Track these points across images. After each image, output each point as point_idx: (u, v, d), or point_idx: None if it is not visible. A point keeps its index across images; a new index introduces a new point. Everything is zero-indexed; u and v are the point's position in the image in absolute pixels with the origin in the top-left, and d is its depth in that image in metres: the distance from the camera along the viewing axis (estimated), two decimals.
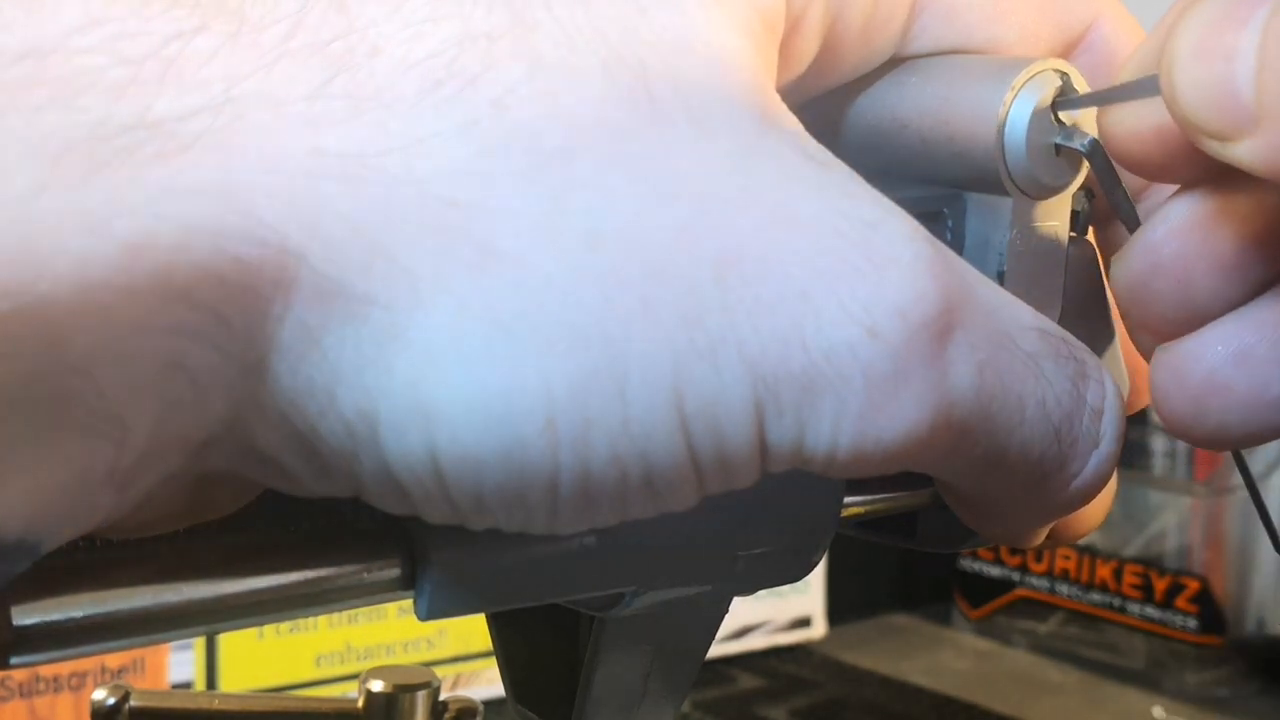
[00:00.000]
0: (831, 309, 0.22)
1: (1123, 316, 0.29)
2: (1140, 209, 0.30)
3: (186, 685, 0.78)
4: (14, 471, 0.18)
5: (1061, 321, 0.29)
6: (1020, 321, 0.25)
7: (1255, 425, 0.26)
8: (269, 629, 0.79)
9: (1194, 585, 0.95)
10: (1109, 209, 0.30)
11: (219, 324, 0.19)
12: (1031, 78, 0.28)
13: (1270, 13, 0.22)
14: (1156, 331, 0.28)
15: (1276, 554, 0.26)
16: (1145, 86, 0.25)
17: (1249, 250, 0.26)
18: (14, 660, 0.21)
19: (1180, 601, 0.95)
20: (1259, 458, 0.95)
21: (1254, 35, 0.22)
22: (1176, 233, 0.27)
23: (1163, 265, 0.27)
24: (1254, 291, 0.27)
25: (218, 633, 0.71)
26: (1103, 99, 0.28)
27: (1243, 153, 0.23)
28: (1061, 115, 0.28)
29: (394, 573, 0.24)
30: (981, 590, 1.05)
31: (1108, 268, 0.32)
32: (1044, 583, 1.02)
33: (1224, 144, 0.23)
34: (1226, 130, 0.23)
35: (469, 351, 0.20)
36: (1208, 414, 0.26)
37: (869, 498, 0.30)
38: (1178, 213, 0.27)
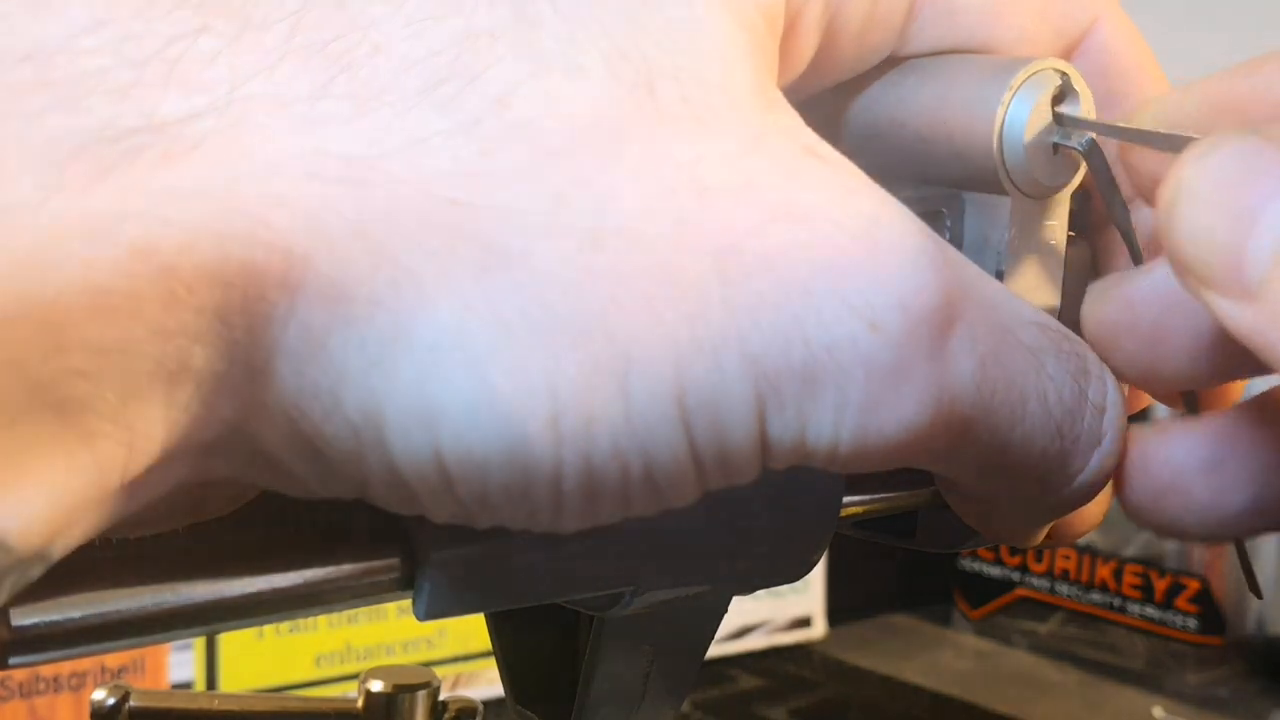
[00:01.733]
0: (832, 303, 0.22)
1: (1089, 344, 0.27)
2: (1135, 212, 0.30)
3: (186, 685, 0.78)
4: (28, 480, 0.18)
5: (1060, 320, 0.29)
6: (1021, 316, 0.25)
7: (1209, 529, 0.26)
8: (269, 629, 0.79)
9: (1194, 585, 0.95)
10: (1106, 210, 0.30)
11: (224, 327, 0.19)
12: (1030, 77, 0.28)
13: None
14: (1114, 374, 0.27)
15: (1277, 551, 0.26)
16: (1156, 139, 0.26)
17: (1229, 339, 0.24)
18: (13, 660, 0.21)
19: (1180, 601, 0.95)
20: None
21: (1277, 219, 0.21)
22: (1159, 299, 0.26)
23: (1137, 326, 0.26)
24: (1220, 377, 0.26)
25: (217, 633, 0.71)
26: (1107, 130, 0.28)
27: (1228, 310, 0.22)
28: (1060, 115, 0.28)
29: (393, 573, 0.24)
30: (981, 590, 1.05)
31: (1103, 270, 0.32)
32: (1044, 583, 1.02)
33: (1207, 291, 0.22)
34: (1218, 283, 0.22)
35: (473, 351, 0.20)
36: (1165, 510, 0.26)
37: (869, 497, 0.30)
38: (1164, 278, 0.25)
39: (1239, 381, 0.29)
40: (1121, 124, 0.28)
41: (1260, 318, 0.22)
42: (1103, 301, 0.27)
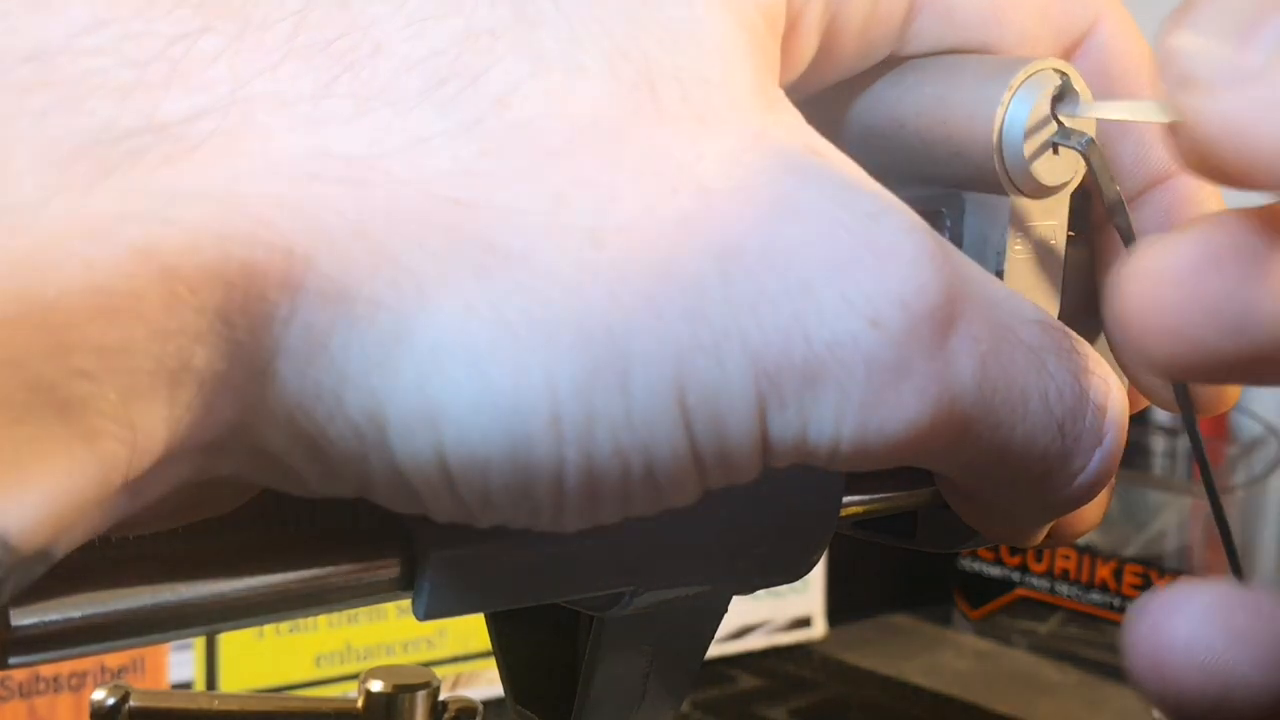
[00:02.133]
0: (834, 300, 0.22)
1: (1112, 345, 0.26)
2: (1135, 211, 0.30)
3: (186, 685, 0.78)
4: (30, 480, 0.18)
5: (1061, 319, 0.29)
6: (1023, 315, 0.25)
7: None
8: (269, 629, 0.79)
9: None
10: (1106, 209, 0.30)
11: (226, 328, 0.19)
12: (1030, 77, 0.28)
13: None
14: (1137, 362, 0.24)
15: (1277, 551, 0.25)
16: (1150, 109, 0.25)
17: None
18: (13, 660, 0.21)
19: None
20: (1259, 459, 0.95)
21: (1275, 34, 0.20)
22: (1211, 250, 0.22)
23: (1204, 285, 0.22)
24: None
25: (217, 633, 0.71)
26: (1106, 110, 0.28)
27: (1205, 108, 0.21)
28: (1060, 115, 0.28)
29: (393, 572, 0.24)
30: (981, 590, 1.05)
31: (1101, 270, 0.32)
32: (1044, 583, 1.02)
33: (1192, 92, 0.21)
34: (1215, 71, 0.21)
35: (474, 352, 0.20)
36: (1166, 679, 0.23)
37: (869, 497, 0.30)
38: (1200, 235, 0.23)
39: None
40: (1112, 100, 0.28)
41: (1250, 101, 0.20)
42: (1174, 251, 0.23)
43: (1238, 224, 0.22)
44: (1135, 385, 0.31)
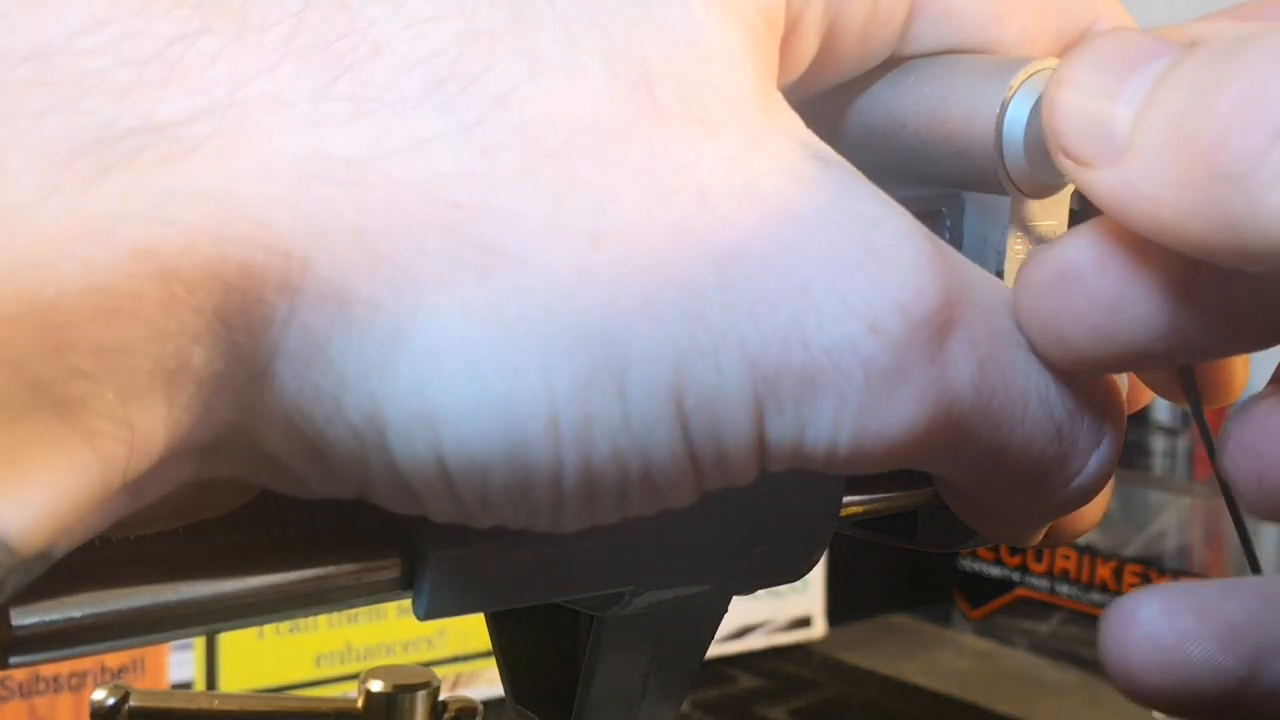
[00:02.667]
0: (832, 305, 0.22)
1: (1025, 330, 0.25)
2: None
3: (186, 685, 0.78)
4: (30, 480, 0.18)
5: None
6: None
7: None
8: (269, 629, 0.79)
9: None
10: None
11: (224, 328, 0.19)
12: (1030, 77, 0.28)
13: (1165, 67, 0.22)
14: (1054, 356, 0.25)
15: (1277, 551, 0.25)
16: None
17: (1197, 284, 0.23)
18: (13, 660, 0.21)
19: None
20: None
21: (1145, 83, 0.22)
22: (1112, 252, 0.24)
23: (1081, 275, 0.24)
24: (1193, 343, 0.24)
25: (217, 633, 0.71)
26: None
27: (1100, 180, 0.23)
28: None
29: (393, 572, 0.24)
30: (981, 590, 1.05)
31: None
32: (1044, 583, 1.02)
33: (1082, 169, 0.23)
34: (1089, 157, 0.23)
35: (472, 354, 0.20)
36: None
37: (868, 497, 0.30)
38: (1109, 233, 0.24)
39: (1233, 368, 0.29)
40: None
41: (1129, 174, 0.22)
42: (1038, 263, 0.25)
43: (1098, 235, 0.24)
44: (1141, 378, 0.31)
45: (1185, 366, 0.28)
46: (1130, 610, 0.24)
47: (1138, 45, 0.23)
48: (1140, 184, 0.22)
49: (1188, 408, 0.29)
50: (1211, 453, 0.30)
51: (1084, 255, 0.24)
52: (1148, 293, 0.24)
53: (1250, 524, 0.28)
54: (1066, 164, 0.23)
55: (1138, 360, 0.25)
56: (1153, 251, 0.23)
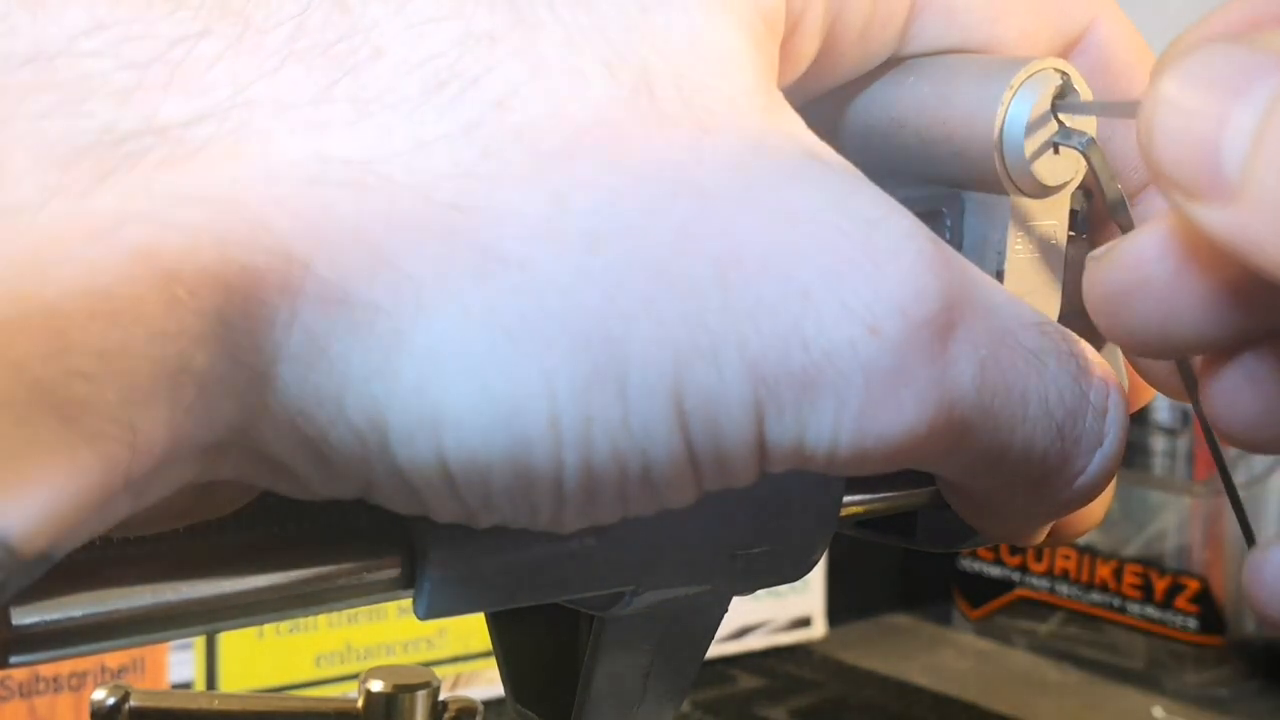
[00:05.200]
0: (832, 307, 0.22)
1: (1093, 317, 0.26)
2: (1136, 210, 0.30)
3: (186, 685, 0.78)
4: (32, 482, 0.18)
5: (1061, 320, 0.29)
6: (1022, 319, 0.25)
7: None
8: (269, 629, 0.79)
9: (1194, 585, 0.95)
10: (1106, 208, 0.30)
11: (226, 330, 0.19)
12: (1030, 77, 0.28)
13: (1274, 94, 0.21)
14: (1121, 344, 0.26)
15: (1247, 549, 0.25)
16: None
17: (1247, 286, 0.24)
18: (13, 659, 0.21)
19: (1180, 601, 0.95)
20: (1259, 458, 0.95)
21: (1255, 111, 0.21)
22: (1171, 252, 0.24)
23: (1150, 284, 0.24)
24: (1236, 334, 0.25)
25: (217, 632, 0.71)
26: (1104, 109, 0.28)
27: (1211, 218, 0.21)
28: (1060, 114, 0.28)
29: (394, 572, 0.24)
30: (981, 590, 1.05)
31: None
32: (1044, 583, 1.02)
33: (1190, 201, 0.22)
34: (1198, 190, 0.21)
35: (473, 356, 0.20)
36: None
37: (869, 497, 0.30)
38: (1178, 235, 0.24)
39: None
40: (1111, 101, 0.28)
41: (1243, 216, 0.21)
42: (1109, 265, 0.25)
43: (1159, 239, 0.24)
44: (1140, 373, 0.31)
45: (1186, 364, 0.28)
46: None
47: (1242, 60, 0.21)
48: (1257, 231, 0.21)
49: (1188, 402, 0.29)
50: (1214, 449, 0.30)
51: (1158, 263, 0.24)
52: (1216, 295, 0.24)
53: (1251, 527, 0.28)
54: (1170, 192, 0.22)
55: (1199, 351, 0.26)
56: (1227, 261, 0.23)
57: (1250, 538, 0.30)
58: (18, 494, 0.18)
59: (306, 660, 0.81)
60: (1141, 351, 0.26)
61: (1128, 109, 0.27)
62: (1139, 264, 0.25)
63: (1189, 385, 0.28)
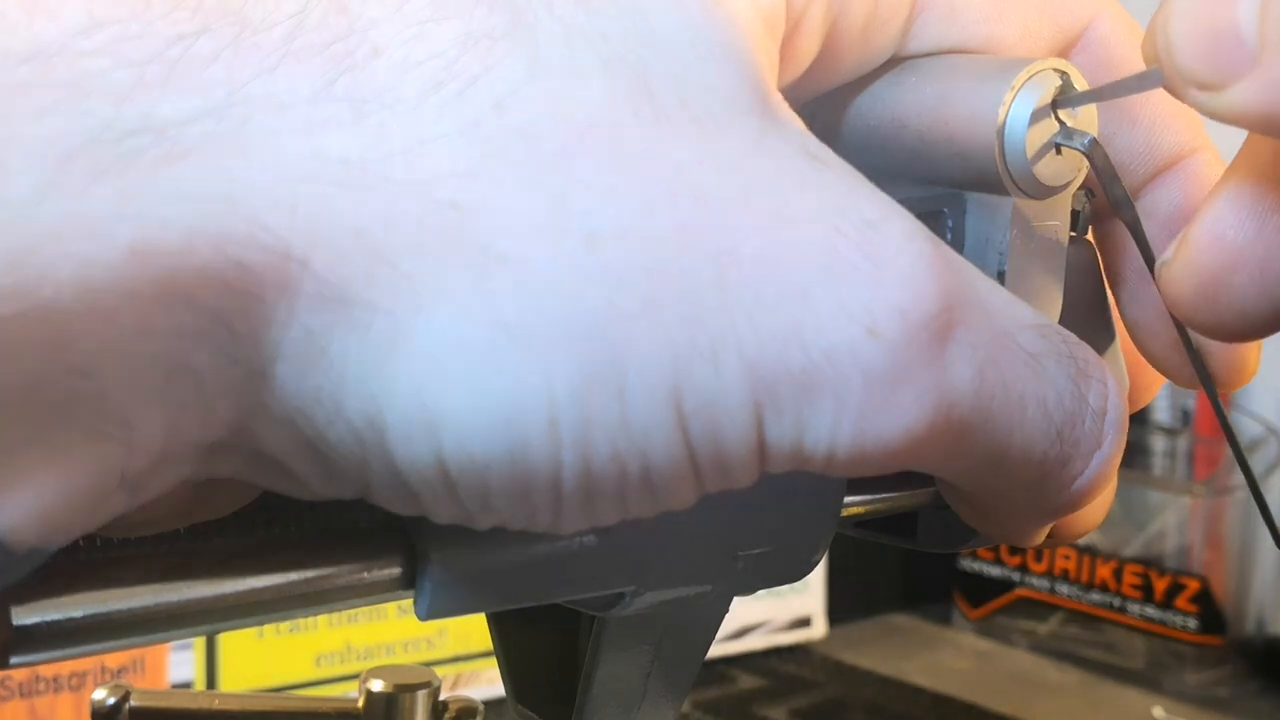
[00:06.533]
0: (831, 308, 0.22)
1: (1188, 324, 0.27)
2: (1140, 208, 0.30)
3: (186, 685, 0.78)
4: (25, 478, 0.18)
5: (1062, 321, 0.29)
6: (1021, 321, 0.25)
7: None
8: (269, 629, 0.79)
9: (1194, 585, 0.95)
10: (1109, 208, 0.30)
11: (223, 328, 0.19)
12: (1031, 77, 0.28)
13: None
14: (1234, 333, 0.26)
15: (1278, 550, 0.25)
16: (1145, 80, 0.25)
17: None
18: (14, 660, 0.21)
19: (1180, 601, 0.95)
20: (1260, 459, 0.95)
21: None
22: (1253, 215, 0.24)
23: (1243, 255, 0.24)
24: None
25: (218, 633, 0.71)
26: (1103, 95, 0.28)
27: (1235, 96, 0.22)
28: (1061, 114, 0.28)
29: (394, 572, 0.24)
30: (981, 590, 1.05)
31: (1108, 267, 0.32)
32: (1044, 583, 1.02)
33: (1216, 95, 0.22)
34: (1221, 77, 0.22)
35: (471, 357, 0.20)
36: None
37: (869, 498, 0.30)
38: (1243, 196, 0.24)
39: (1246, 354, 0.29)
40: (1108, 84, 0.28)
41: (1267, 76, 0.21)
42: (1191, 257, 0.25)
43: (1227, 209, 0.24)
44: (1155, 364, 0.31)
45: (1195, 353, 0.28)
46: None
47: None
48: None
49: (1203, 390, 0.29)
50: (1234, 445, 0.30)
51: (1238, 230, 0.24)
52: None
53: (1251, 527, 0.28)
54: (1198, 97, 0.23)
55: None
56: None
57: (1277, 536, 0.30)
58: (11, 489, 0.18)
59: (306, 660, 0.81)
60: (1254, 333, 0.26)
61: (1126, 86, 0.27)
62: (1221, 242, 0.25)
63: (1203, 378, 0.28)
